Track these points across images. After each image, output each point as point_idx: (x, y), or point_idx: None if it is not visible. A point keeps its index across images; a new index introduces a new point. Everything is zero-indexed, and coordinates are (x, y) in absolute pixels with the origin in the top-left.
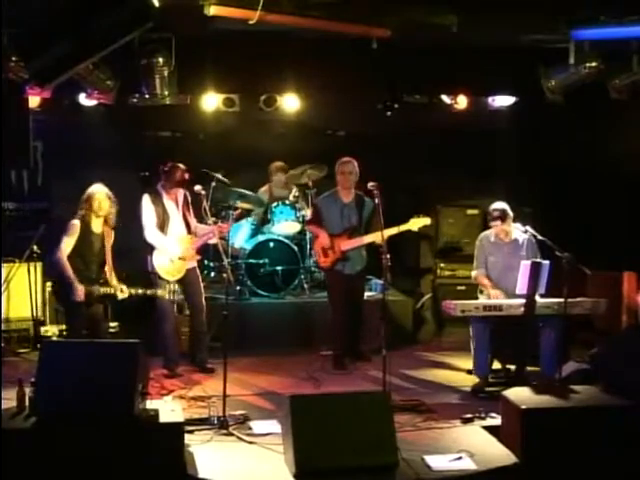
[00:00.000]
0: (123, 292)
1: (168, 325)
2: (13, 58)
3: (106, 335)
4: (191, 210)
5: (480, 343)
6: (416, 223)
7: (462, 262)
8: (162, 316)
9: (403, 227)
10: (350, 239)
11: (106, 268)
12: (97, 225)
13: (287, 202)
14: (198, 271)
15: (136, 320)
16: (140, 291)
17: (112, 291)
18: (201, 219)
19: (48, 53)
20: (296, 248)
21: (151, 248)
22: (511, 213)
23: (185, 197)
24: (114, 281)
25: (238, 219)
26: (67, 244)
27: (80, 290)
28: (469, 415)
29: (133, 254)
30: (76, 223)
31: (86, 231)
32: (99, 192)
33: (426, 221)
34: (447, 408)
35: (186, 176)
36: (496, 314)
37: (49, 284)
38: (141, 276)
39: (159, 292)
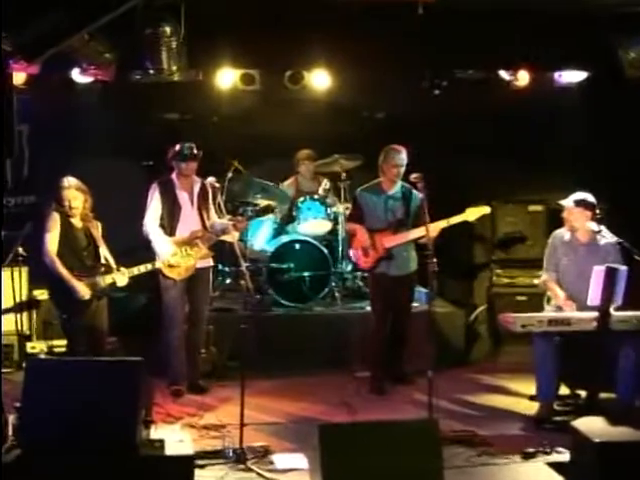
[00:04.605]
0: (131, 270)
1: (175, 334)
2: None
3: (106, 353)
4: (210, 203)
5: (544, 364)
6: (473, 213)
7: (523, 268)
8: (169, 324)
9: (456, 218)
10: (395, 234)
11: (102, 259)
12: (75, 220)
13: (316, 197)
14: (211, 274)
15: (136, 334)
16: (142, 268)
17: (117, 277)
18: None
19: (36, 22)
20: (326, 251)
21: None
22: None
23: (203, 188)
24: (114, 266)
25: (259, 214)
26: (51, 240)
27: (82, 287)
28: (531, 449)
29: (137, 253)
30: (54, 215)
31: (67, 225)
32: (68, 190)
33: (485, 210)
34: (505, 440)
35: (194, 151)
36: (564, 329)
37: (39, 292)
38: (147, 276)
39: (172, 259)
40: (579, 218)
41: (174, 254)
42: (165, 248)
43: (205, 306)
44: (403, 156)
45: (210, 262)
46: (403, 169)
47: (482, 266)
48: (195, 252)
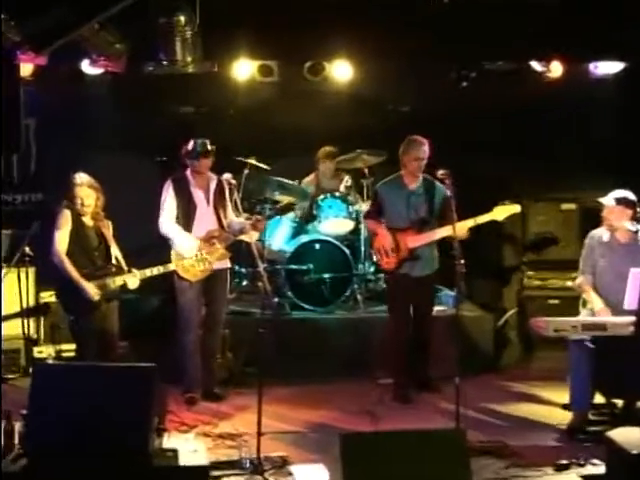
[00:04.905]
0: (143, 272)
1: (190, 338)
2: (2, 16)
3: (117, 358)
4: (227, 201)
5: (578, 371)
6: (502, 212)
7: (555, 269)
8: (185, 327)
9: (484, 217)
10: (419, 234)
11: (113, 260)
12: (86, 219)
13: (337, 194)
14: (228, 275)
15: (149, 338)
16: (155, 270)
17: (128, 279)
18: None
19: (45, 11)
20: (348, 251)
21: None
22: None
23: (219, 185)
24: (125, 267)
25: (279, 213)
26: (61, 239)
27: (91, 288)
28: (564, 461)
29: (149, 254)
30: (65, 212)
31: (78, 224)
32: (80, 187)
33: (515, 209)
34: (537, 451)
35: (208, 147)
36: (599, 334)
37: (46, 294)
38: (159, 277)
39: (187, 262)
40: (620, 217)
41: (190, 256)
42: (189, 243)
43: (223, 309)
44: (425, 148)
45: (227, 263)
46: (424, 162)
47: (512, 268)
48: (211, 255)
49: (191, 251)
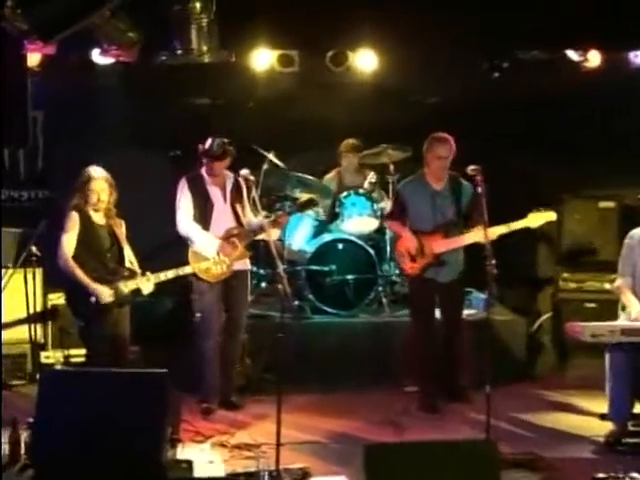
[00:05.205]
0: (157, 276)
1: (210, 344)
2: (9, 3)
3: (128, 363)
4: (244, 199)
5: (618, 379)
6: (536, 219)
7: (593, 271)
8: (204, 332)
9: (517, 224)
10: (446, 238)
11: (127, 262)
12: (98, 216)
13: (361, 191)
14: (249, 277)
15: (161, 343)
16: (170, 273)
17: (142, 284)
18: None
19: None
20: (372, 251)
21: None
22: None
23: (236, 183)
24: (139, 271)
25: (300, 209)
26: (68, 241)
27: (102, 289)
28: (602, 474)
29: (163, 255)
30: (73, 214)
31: (87, 224)
32: (96, 181)
33: (550, 216)
34: (572, 464)
35: (226, 149)
36: (639, 340)
37: (55, 296)
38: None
39: (203, 265)
40: None
41: (208, 258)
42: (209, 242)
43: (244, 312)
44: (448, 147)
45: (248, 264)
46: (449, 161)
47: (546, 270)
48: (230, 256)
49: (212, 250)
